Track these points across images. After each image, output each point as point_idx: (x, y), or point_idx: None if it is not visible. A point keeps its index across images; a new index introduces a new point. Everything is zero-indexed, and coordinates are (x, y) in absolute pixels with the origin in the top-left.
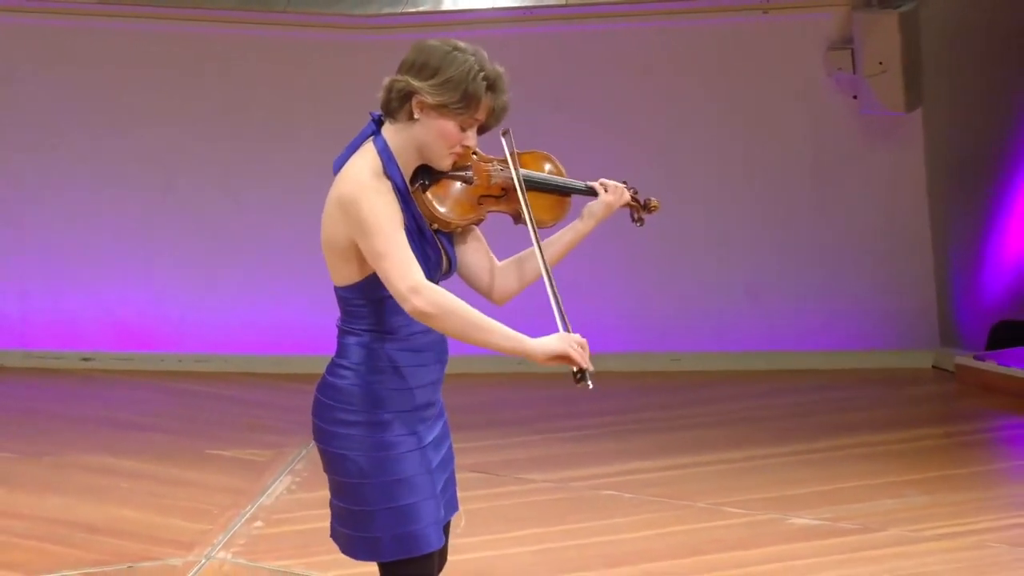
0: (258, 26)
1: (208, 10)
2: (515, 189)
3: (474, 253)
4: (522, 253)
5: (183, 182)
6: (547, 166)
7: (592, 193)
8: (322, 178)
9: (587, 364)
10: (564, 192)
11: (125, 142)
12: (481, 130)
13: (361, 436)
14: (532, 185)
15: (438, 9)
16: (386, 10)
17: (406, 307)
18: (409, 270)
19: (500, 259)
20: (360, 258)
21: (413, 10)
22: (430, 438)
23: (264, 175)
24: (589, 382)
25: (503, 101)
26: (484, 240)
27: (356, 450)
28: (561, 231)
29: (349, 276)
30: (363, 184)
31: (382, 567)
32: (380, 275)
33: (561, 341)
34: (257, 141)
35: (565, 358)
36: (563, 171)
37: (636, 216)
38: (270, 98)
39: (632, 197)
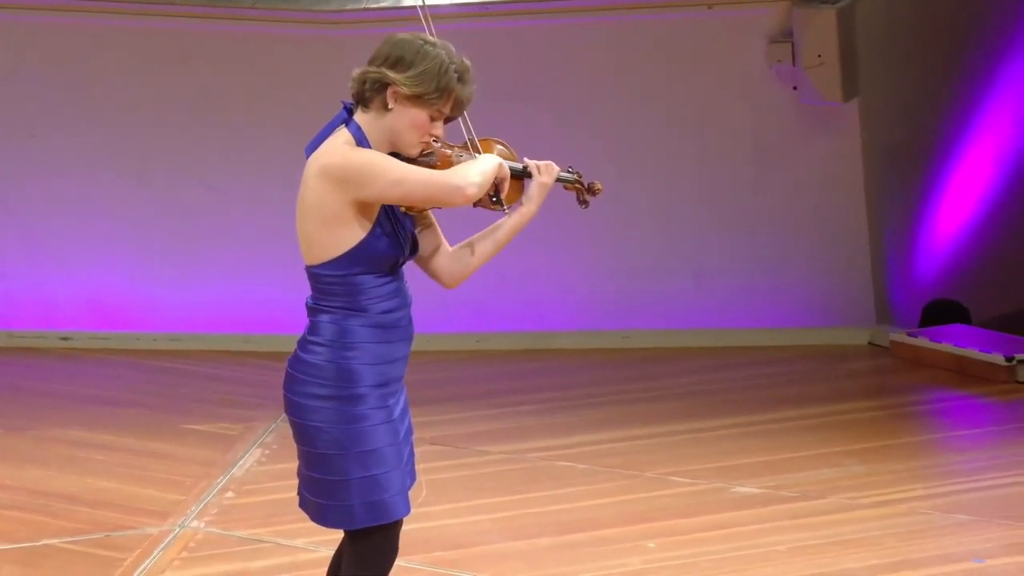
0: (226, 21)
1: (180, 6)
2: None
3: (430, 237)
4: (471, 238)
5: (157, 170)
6: (502, 151)
7: (529, 175)
8: (288, 165)
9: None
10: (519, 175)
11: (102, 132)
12: (445, 120)
13: (335, 409)
14: None
15: (399, 5)
16: (349, 6)
17: (467, 193)
18: (434, 172)
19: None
20: (351, 221)
21: (375, 6)
22: (398, 411)
23: (234, 163)
24: (505, 207)
25: (469, 92)
26: (438, 227)
27: (330, 423)
28: (507, 216)
29: (332, 248)
30: (343, 149)
31: (353, 534)
32: (414, 195)
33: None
34: (227, 130)
35: (496, 184)
36: (515, 155)
37: (581, 199)
38: (239, 89)
39: (576, 180)
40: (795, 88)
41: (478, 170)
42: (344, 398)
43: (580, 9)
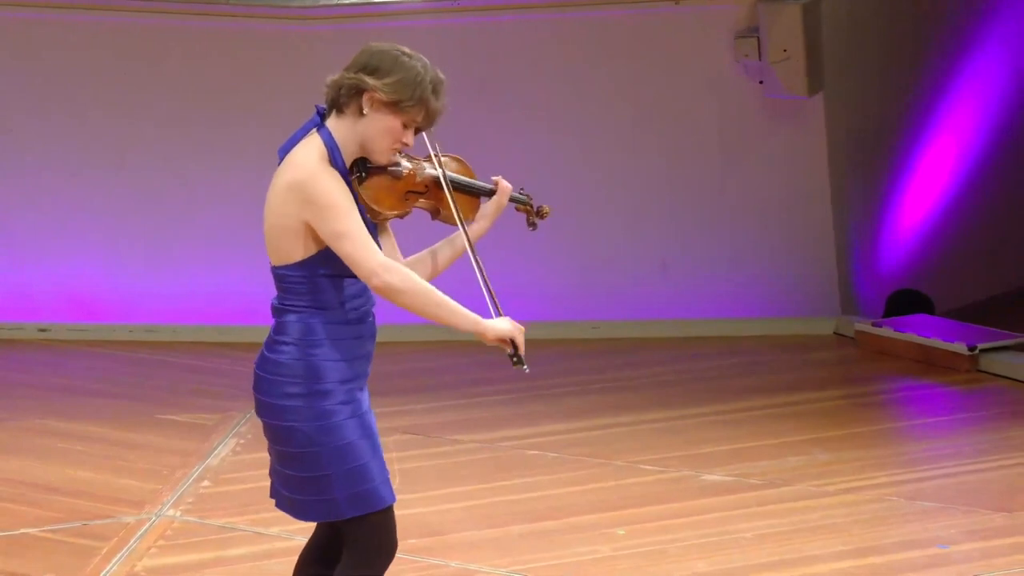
0: (200, 17)
1: (157, 2)
2: (437, 187)
3: (386, 247)
4: (425, 252)
5: (133, 163)
6: (459, 168)
7: (492, 193)
8: (262, 159)
9: (523, 350)
10: (476, 193)
11: (78, 125)
12: (415, 131)
13: (305, 407)
14: (453, 185)
15: (369, 1)
16: (321, 1)
17: (374, 281)
18: (373, 248)
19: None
20: (310, 235)
21: (346, 1)
22: (366, 405)
23: (209, 157)
24: (525, 366)
25: (442, 105)
26: (393, 237)
27: (302, 420)
28: (459, 232)
29: (295, 253)
30: (313, 168)
31: (349, 527)
32: (342, 254)
33: (511, 325)
34: (201, 125)
35: (511, 341)
36: (474, 174)
37: (530, 221)
38: (213, 84)
39: (527, 203)
40: (761, 82)
41: (435, 302)
42: (313, 394)
43: (547, 5)
